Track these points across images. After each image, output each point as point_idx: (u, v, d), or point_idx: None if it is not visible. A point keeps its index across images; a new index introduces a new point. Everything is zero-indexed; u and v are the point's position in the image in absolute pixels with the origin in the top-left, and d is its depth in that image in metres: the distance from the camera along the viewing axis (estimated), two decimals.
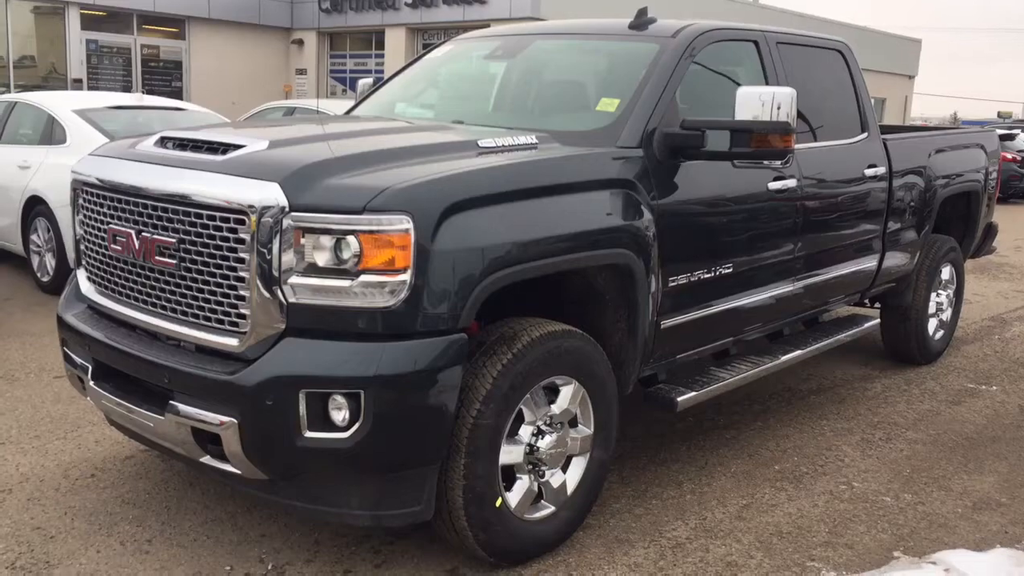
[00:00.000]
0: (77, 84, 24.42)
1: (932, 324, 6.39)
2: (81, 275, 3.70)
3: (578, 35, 4.66)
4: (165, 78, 26.47)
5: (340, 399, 2.87)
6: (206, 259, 3.04)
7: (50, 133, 7.80)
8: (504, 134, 3.59)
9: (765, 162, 4.10)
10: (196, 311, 3.11)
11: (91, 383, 3.45)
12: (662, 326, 3.84)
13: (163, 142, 3.49)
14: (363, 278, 2.85)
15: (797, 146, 4.57)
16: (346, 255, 2.86)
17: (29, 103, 8.24)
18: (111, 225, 3.36)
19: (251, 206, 2.89)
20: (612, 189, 3.56)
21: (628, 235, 3.54)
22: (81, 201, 3.61)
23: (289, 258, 2.88)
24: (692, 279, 3.95)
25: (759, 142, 3.73)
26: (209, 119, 8.24)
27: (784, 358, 4.70)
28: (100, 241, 3.47)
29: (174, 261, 3.12)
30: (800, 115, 4.71)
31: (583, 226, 3.37)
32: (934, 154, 5.97)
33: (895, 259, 5.68)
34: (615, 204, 3.54)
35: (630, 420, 4.83)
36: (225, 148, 3.23)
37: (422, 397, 2.92)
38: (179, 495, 3.91)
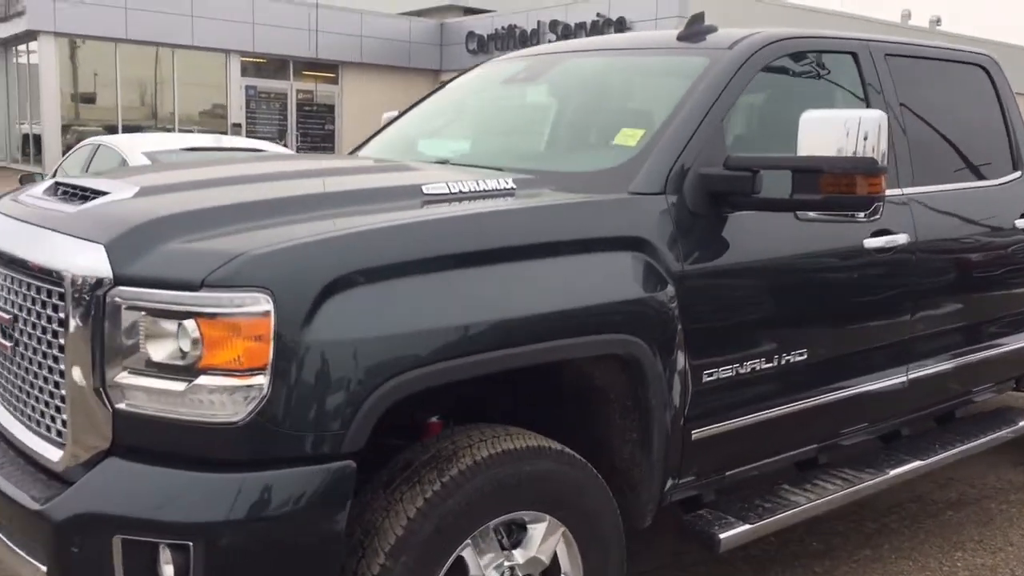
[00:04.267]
0: (236, 128, 25.26)
1: None
2: None
3: (618, 51, 3.71)
4: (319, 121, 27.08)
5: (168, 551, 2.04)
6: (34, 344, 2.30)
7: None
8: (470, 177, 2.70)
9: (851, 214, 2.97)
10: (30, 411, 2.37)
11: None
12: (693, 436, 2.81)
13: (54, 189, 2.81)
14: (202, 380, 2.02)
15: (912, 190, 3.48)
16: (185, 347, 2.04)
17: (108, 145, 8.03)
18: None
19: (70, 276, 2.13)
20: (612, 251, 2.59)
21: (634, 315, 2.56)
22: None
23: (117, 348, 2.09)
24: (742, 372, 2.90)
25: (832, 185, 2.66)
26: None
27: (893, 473, 3.51)
28: None
29: (10, 344, 2.40)
30: (918, 149, 3.60)
31: (561, 303, 2.42)
32: None
33: None
34: (615, 272, 2.57)
35: (683, 542, 3.76)
36: (93, 197, 2.50)
37: (283, 552, 2.05)
38: None
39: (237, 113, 25.75)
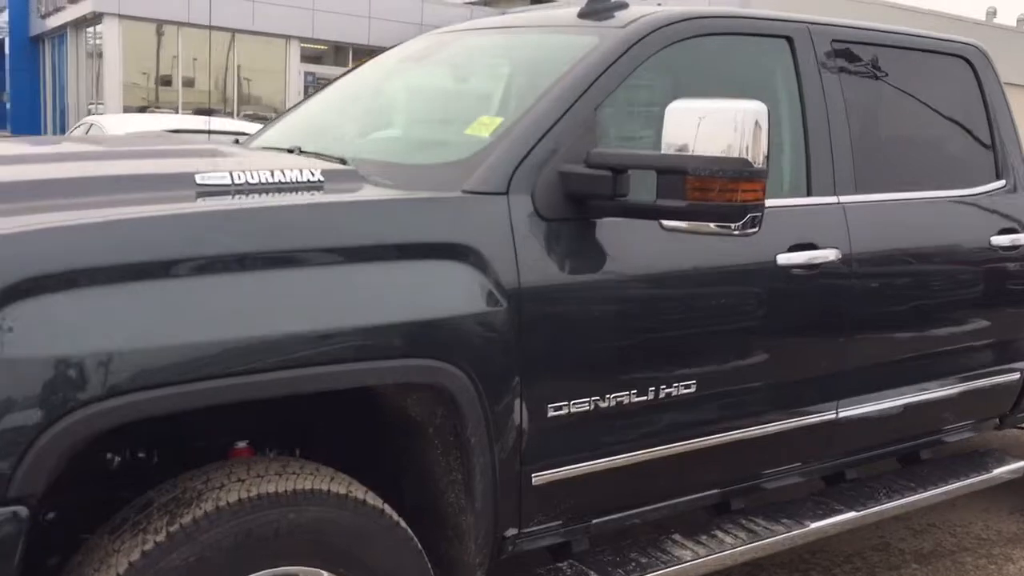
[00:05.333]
0: None
1: None
2: None
3: (521, 29, 3.26)
4: None
5: None
6: None
7: None
8: (268, 166, 2.31)
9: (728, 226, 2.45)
10: None
11: None
12: (534, 480, 2.39)
13: None
14: None
15: (851, 198, 3.00)
16: None
17: (98, 124, 7.92)
18: None
19: None
20: (423, 260, 2.19)
21: (445, 337, 2.16)
22: None
23: None
24: (603, 407, 2.46)
25: (699, 190, 2.22)
26: None
27: (814, 526, 3.02)
28: None
29: None
30: (867, 151, 3.11)
31: (339, 321, 2.03)
32: None
33: None
34: (424, 286, 2.16)
35: None
36: None
37: None
38: None
39: (295, 98, 25.79)
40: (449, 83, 3.20)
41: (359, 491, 2.13)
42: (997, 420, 3.80)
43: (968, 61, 3.57)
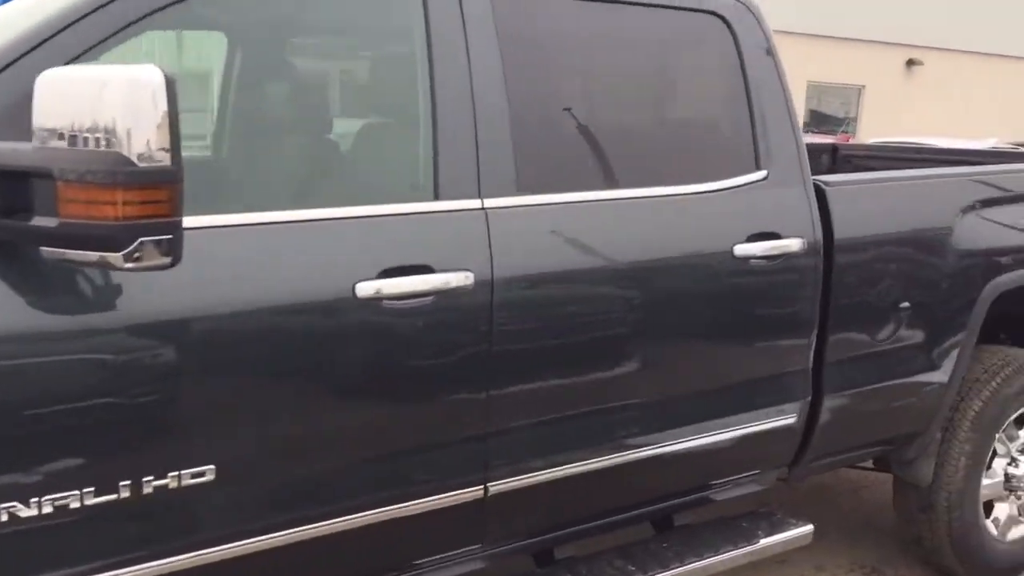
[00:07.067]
0: None
1: (998, 514, 3.51)
2: None
3: None
4: None
5: None
6: None
7: None
8: None
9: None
10: None
11: None
12: None
13: None
14: None
15: (503, 202, 2.23)
16: None
17: None
18: None
19: None
20: None
21: None
22: None
23: None
24: (31, 515, 1.71)
25: (73, 203, 1.46)
26: None
27: None
28: None
29: None
30: (540, 137, 2.34)
31: None
32: (973, 209, 3.20)
33: (862, 403, 3.01)
34: None
35: None
36: None
37: None
38: None
39: None
40: None
41: None
42: (785, 470, 3.03)
43: (724, 20, 2.75)
